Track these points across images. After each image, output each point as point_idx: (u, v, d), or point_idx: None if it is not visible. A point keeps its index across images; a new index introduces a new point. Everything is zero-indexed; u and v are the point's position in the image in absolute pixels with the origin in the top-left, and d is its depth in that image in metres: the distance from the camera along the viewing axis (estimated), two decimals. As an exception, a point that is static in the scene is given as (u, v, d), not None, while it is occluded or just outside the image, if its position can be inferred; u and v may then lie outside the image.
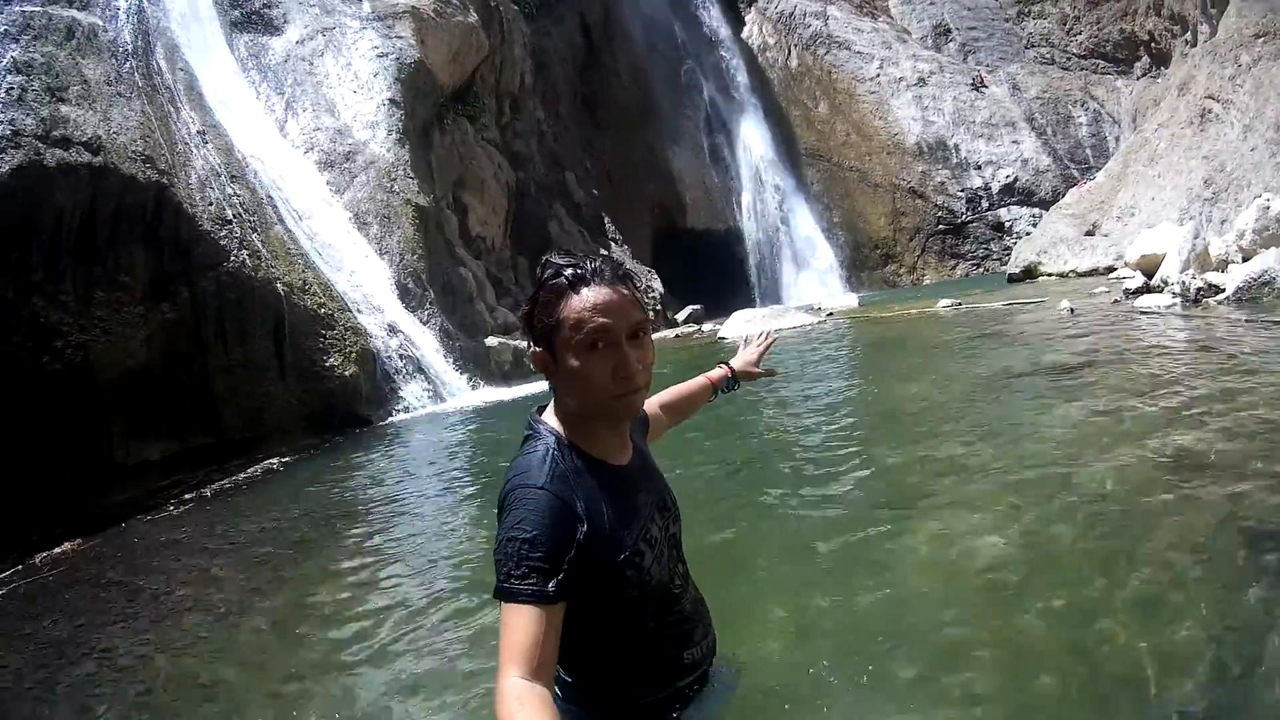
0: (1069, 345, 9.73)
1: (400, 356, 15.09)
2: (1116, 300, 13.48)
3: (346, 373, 13.60)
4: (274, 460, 11.51)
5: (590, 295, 1.86)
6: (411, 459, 10.53)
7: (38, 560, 8.02)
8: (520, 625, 1.66)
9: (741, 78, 37.90)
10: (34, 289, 9.65)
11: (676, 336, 24.52)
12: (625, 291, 1.91)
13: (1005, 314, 14.80)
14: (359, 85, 18.59)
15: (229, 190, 13.15)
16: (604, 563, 1.83)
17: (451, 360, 16.31)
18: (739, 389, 2.91)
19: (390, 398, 14.55)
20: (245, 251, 12.65)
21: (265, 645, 4.70)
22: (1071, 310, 12.86)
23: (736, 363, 2.89)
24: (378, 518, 7.28)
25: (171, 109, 13.14)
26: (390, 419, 14.10)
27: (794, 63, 38.62)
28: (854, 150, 37.10)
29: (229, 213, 12.80)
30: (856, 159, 37.01)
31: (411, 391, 14.88)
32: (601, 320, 1.84)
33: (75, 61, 11.04)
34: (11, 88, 9.92)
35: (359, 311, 14.68)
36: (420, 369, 15.41)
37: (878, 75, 37.43)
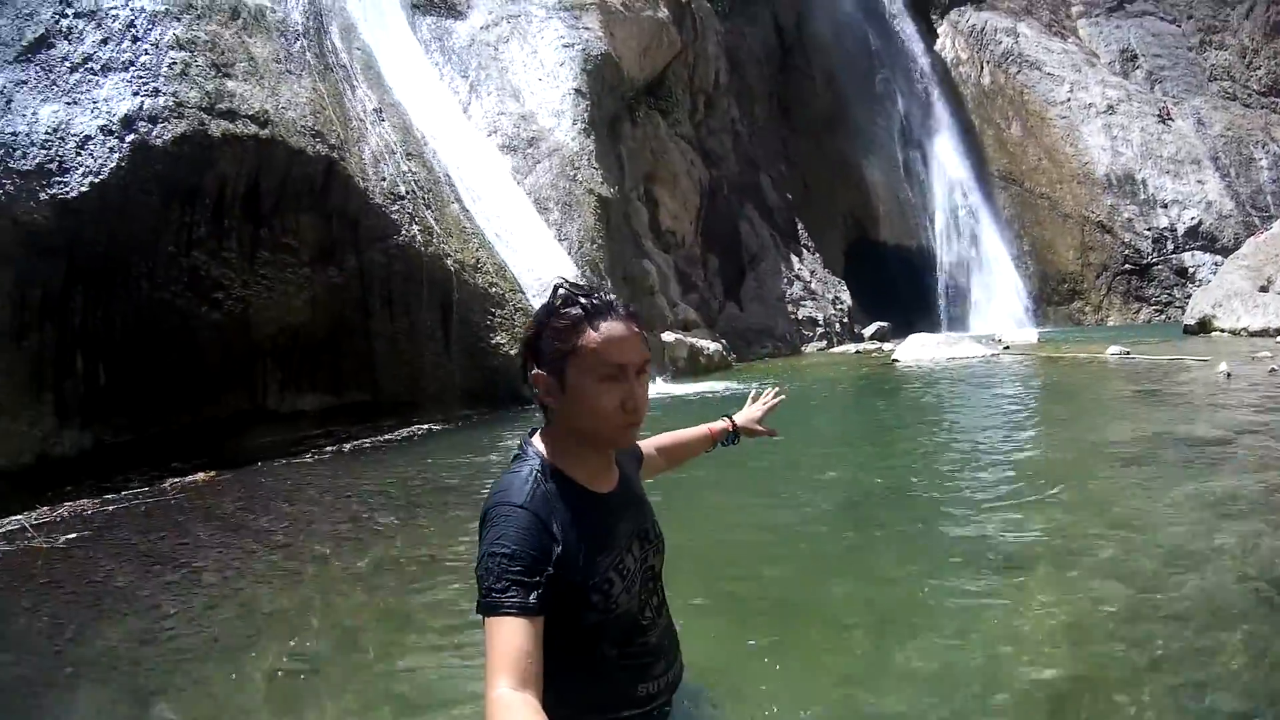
0: (1212, 416, 8.89)
1: (570, 342, 14.86)
2: (1273, 370, 11.88)
3: (513, 352, 13.49)
4: (426, 425, 11.63)
5: (609, 328, 1.91)
6: None
7: (168, 484, 8.44)
8: (506, 637, 1.68)
9: (935, 91, 35.87)
10: (195, 244, 9.98)
11: (856, 352, 23.51)
12: (636, 329, 1.96)
13: (1166, 370, 13.54)
14: (544, 73, 18.62)
15: (404, 167, 13.30)
16: (571, 586, 1.85)
17: (624, 350, 15.98)
18: (738, 444, 2.88)
19: (555, 380, 14.31)
20: (417, 227, 12.75)
21: (330, 589, 4.98)
22: (1228, 375, 11.55)
23: (740, 418, 2.88)
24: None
25: (346, 86, 13.42)
26: (555, 402, 13.88)
27: (986, 80, 36.36)
28: (1045, 176, 34.54)
29: (402, 189, 12.94)
30: (1048, 185, 34.42)
31: (575, 377, 14.61)
32: (619, 354, 1.90)
33: (241, 40, 11.39)
34: (174, 63, 10.25)
35: (532, 294, 14.57)
36: (590, 357, 15.15)
37: (1068, 99, 34.88)
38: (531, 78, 18.51)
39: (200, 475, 8.75)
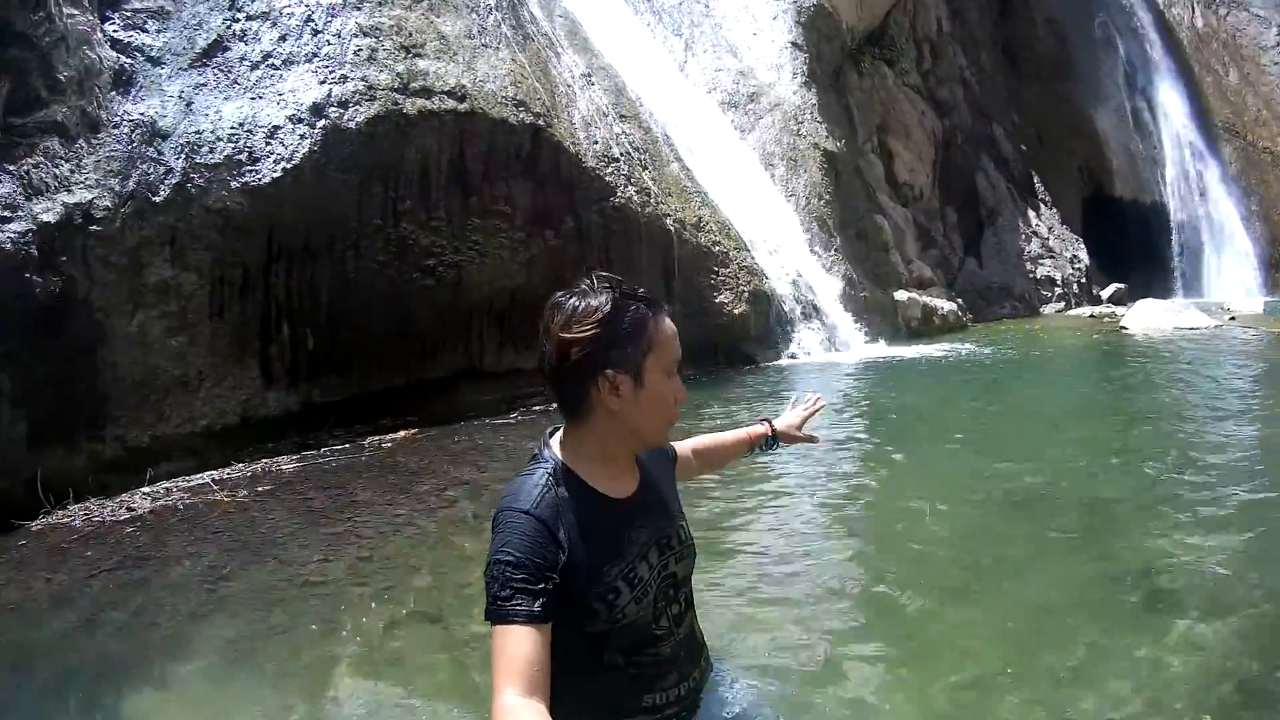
0: None
1: (797, 300, 14.23)
2: None
3: (736, 310, 13.01)
4: None
5: (669, 324, 1.93)
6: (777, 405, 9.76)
7: (366, 443, 8.77)
8: (512, 645, 1.67)
9: (1152, 35, 31.86)
10: (402, 216, 10.18)
11: (1090, 316, 21.47)
12: None
13: None
14: (758, 28, 17.89)
15: (617, 129, 13.07)
16: (575, 594, 1.79)
17: (852, 310, 15.17)
18: (778, 449, 2.76)
19: (781, 340, 13.76)
20: (633, 188, 12.50)
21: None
22: None
23: (780, 423, 2.76)
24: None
25: (551, 54, 13.27)
26: (777, 361, 13.35)
27: (1199, 22, 31.76)
28: (1266, 130, 30.06)
29: (615, 151, 12.71)
30: (1269, 139, 29.94)
31: (804, 337, 13.97)
32: (678, 347, 1.94)
33: (429, 21, 11.41)
34: (360, 49, 10.40)
35: (757, 252, 14.01)
36: (817, 315, 14.45)
37: (1277, 44, 30.36)
38: (746, 33, 17.84)
39: (401, 434, 9.03)
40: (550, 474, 1.88)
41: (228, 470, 7.99)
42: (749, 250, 13.77)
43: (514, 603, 1.69)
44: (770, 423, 2.74)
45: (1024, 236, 25.31)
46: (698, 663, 2.08)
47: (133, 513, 6.75)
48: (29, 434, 7.16)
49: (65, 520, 6.65)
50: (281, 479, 7.52)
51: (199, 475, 7.78)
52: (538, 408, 10.20)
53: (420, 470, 7.42)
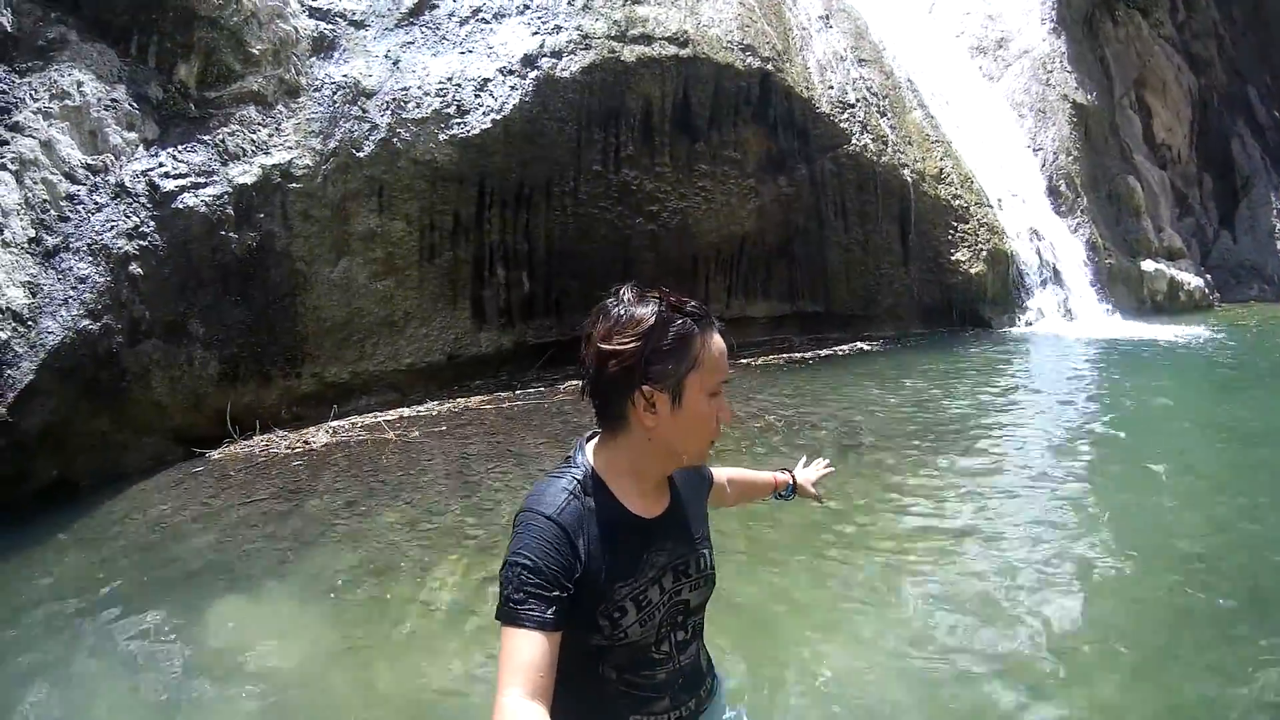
0: None
1: (1038, 263, 13.20)
2: None
3: (973, 270, 12.13)
4: (874, 341, 11.14)
5: (719, 341, 1.82)
6: (1014, 379, 9.06)
7: (563, 387, 8.86)
8: (520, 648, 1.63)
9: None
10: (624, 162, 10.01)
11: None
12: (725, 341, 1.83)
13: None
14: (1010, -32, 16.49)
15: (855, 74, 12.31)
16: (584, 607, 1.74)
17: (1094, 278, 13.96)
18: (792, 499, 2.63)
19: (1016, 305, 12.76)
20: (869, 135, 11.78)
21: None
22: None
23: (799, 476, 2.67)
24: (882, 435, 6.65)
25: (788, -2, 12.64)
26: (1010, 328, 12.40)
27: None
28: None
29: (851, 96, 11.98)
30: None
31: (1041, 303, 12.91)
32: (727, 369, 1.83)
33: None
34: (573, 0, 10.22)
35: (999, 208, 13.04)
36: (1057, 280, 13.35)
37: None
38: (995, -28, 16.51)
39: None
40: (579, 481, 1.82)
41: (421, 407, 8.36)
42: (991, 206, 12.81)
43: (526, 607, 1.66)
44: (791, 474, 2.68)
45: (1276, 212, 22.73)
46: (695, 693, 1.98)
47: (308, 446, 7.21)
48: (219, 372, 7.72)
49: (244, 451, 7.16)
50: (456, 421, 7.76)
51: (388, 413, 8.19)
52: (759, 360, 9.96)
53: (583, 425, 7.38)
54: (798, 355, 10.52)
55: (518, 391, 8.77)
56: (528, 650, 1.63)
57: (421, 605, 4.19)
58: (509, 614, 1.67)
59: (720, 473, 2.31)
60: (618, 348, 1.74)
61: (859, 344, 11.10)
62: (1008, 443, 6.62)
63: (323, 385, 8.38)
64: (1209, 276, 18.28)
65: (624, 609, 1.80)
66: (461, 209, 9.20)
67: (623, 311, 1.78)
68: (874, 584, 4.13)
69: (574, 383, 8.74)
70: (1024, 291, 12.87)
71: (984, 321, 12.23)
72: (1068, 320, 12.97)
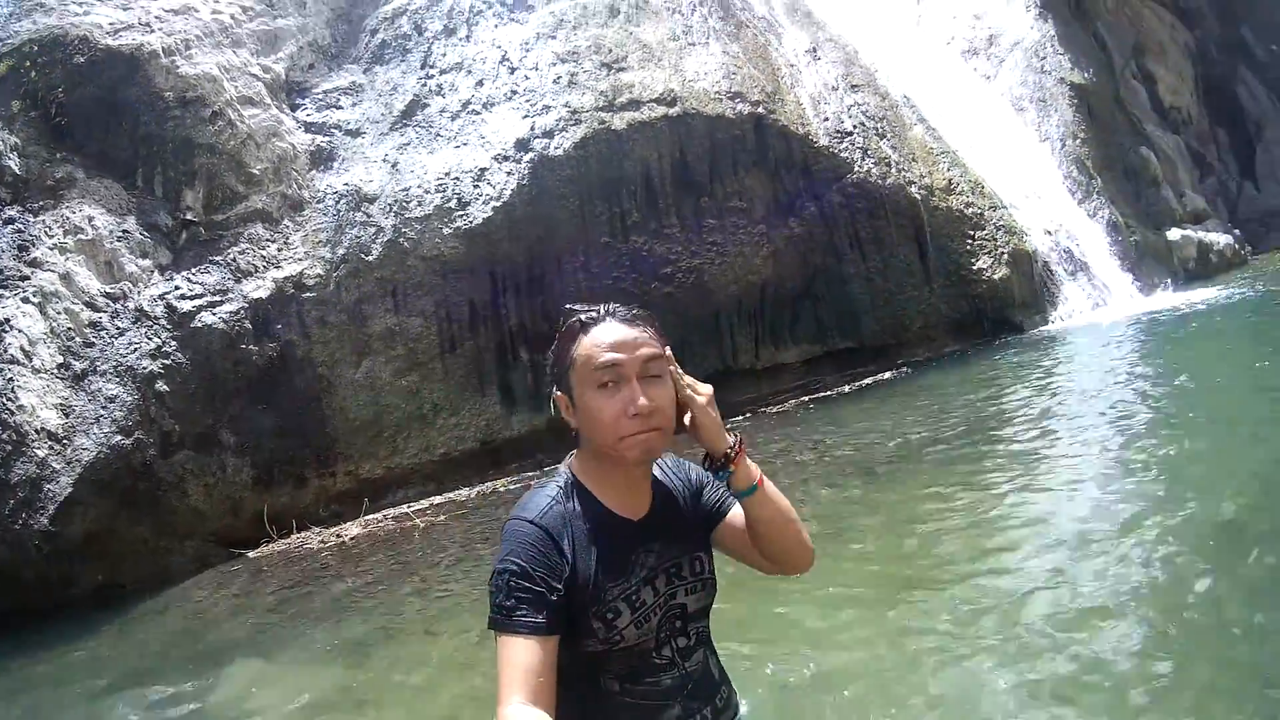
0: None
1: (1061, 255, 12.87)
2: None
3: (996, 276, 11.80)
4: (887, 372, 10.88)
5: (599, 333, 1.82)
6: (1046, 380, 8.55)
7: None
8: (516, 655, 1.63)
9: None
10: (632, 229, 9.95)
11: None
12: (639, 329, 1.83)
13: None
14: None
15: (848, 101, 12.05)
16: (576, 609, 1.75)
17: (1123, 257, 13.55)
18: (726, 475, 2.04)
19: (1046, 302, 12.38)
20: (870, 160, 11.50)
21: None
22: None
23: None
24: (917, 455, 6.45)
25: (770, 37, 12.42)
26: (1045, 326, 12.02)
27: None
28: None
29: (848, 124, 11.73)
30: None
31: (1070, 295, 12.55)
32: (610, 356, 1.79)
33: (628, 33, 10.95)
34: (559, 77, 10.20)
35: (1014, 207, 12.74)
36: (1084, 269, 12.99)
37: None
38: (974, -30, 16.21)
39: None
40: (561, 487, 1.86)
41: (454, 493, 8.58)
42: (1005, 207, 12.48)
43: (519, 613, 1.67)
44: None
45: (1294, 148, 22.00)
46: (711, 701, 1.93)
47: (340, 539, 7.55)
48: (253, 477, 8.03)
49: (282, 548, 7.55)
50: (485, 502, 8.00)
51: (419, 503, 8.43)
52: (781, 408, 9.93)
53: None
54: (829, 393, 10.33)
55: (547, 469, 8.76)
56: (524, 655, 1.63)
57: (424, 661, 4.48)
58: (502, 621, 1.68)
59: (737, 514, 2.03)
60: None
61: (883, 374, 10.80)
62: (1030, 448, 6.05)
63: (358, 482, 8.58)
64: (1238, 232, 17.73)
65: (617, 610, 1.79)
66: (476, 297, 9.29)
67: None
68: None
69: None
70: (1053, 287, 12.53)
71: (1016, 326, 11.88)
72: (1102, 307, 12.61)
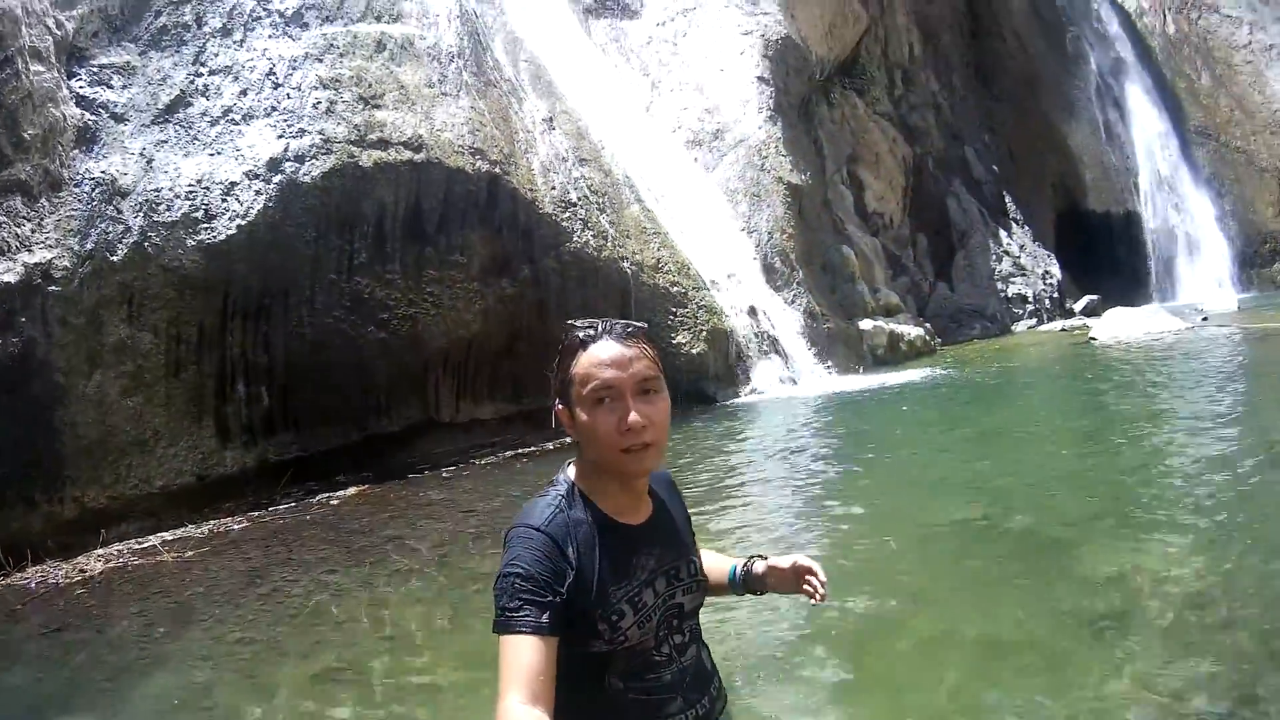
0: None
1: (756, 336, 14.01)
2: None
3: (695, 350, 12.77)
4: None
5: (597, 350, 1.89)
6: (736, 442, 9.67)
7: (316, 500, 8.75)
8: (518, 655, 1.68)
9: (1124, 48, 31.44)
10: (357, 270, 9.95)
11: (1061, 330, 21.06)
12: (635, 348, 1.91)
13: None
14: (725, 64, 17.43)
15: (576, 174, 12.74)
16: (582, 612, 1.82)
17: (812, 343, 14.93)
18: (743, 591, 2.29)
19: (740, 378, 13.44)
20: (590, 232, 12.20)
21: (389, 606, 5.29)
22: None
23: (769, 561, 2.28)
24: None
25: (513, 100, 12.97)
26: (736, 399, 13.01)
27: (1171, 29, 31.17)
28: (1239, 129, 29.54)
29: (573, 195, 12.40)
30: (1242, 138, 29.49)
31: (763, 373, 13.66)
32: (606, 374, 1.86)
33: (389, 70, 11.16)
34: (319, 102, 10.17)
35: (716, 288, 13.82)
36: (777, 350, 14.22)
37: (1249, 43, 29.78)
38: (713, 69, 17.44)
39: (351, 490, 8.91)
40: (562, 496, 1.94)
41: (181, 530, 8.04)
42: (708, 289, 13.53)
43: (522, 614, 1.73)
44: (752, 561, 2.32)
45: (995, 256, 24.98)
46: (706, 691, 2.06)
47: (84, 574, 6.89)
48: None
49: (21, 582, 6.77)
50: (225, 539, 7.61)
51: (152, 537, 7.80)
52: (488, 460, 10.10)
53: (358, 529, 7.44)
54: (521, 451, 10.58)
55: (272, 509, 8.53)
56: (525, 656, 1.69)
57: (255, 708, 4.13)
58: (505, 623, 1.74)
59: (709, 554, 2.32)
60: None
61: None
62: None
63: (83, 510, 7.80)
64: (928, 325, 19.88)
65: (621, 611, 1.88)
66: (206, 319, 8.87)
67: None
68: None
69: (336, 494, 8.85)
70: (746, 364, 13.64)
71: (710, 397, 12.87)
72: (792, 385, 13.81)
